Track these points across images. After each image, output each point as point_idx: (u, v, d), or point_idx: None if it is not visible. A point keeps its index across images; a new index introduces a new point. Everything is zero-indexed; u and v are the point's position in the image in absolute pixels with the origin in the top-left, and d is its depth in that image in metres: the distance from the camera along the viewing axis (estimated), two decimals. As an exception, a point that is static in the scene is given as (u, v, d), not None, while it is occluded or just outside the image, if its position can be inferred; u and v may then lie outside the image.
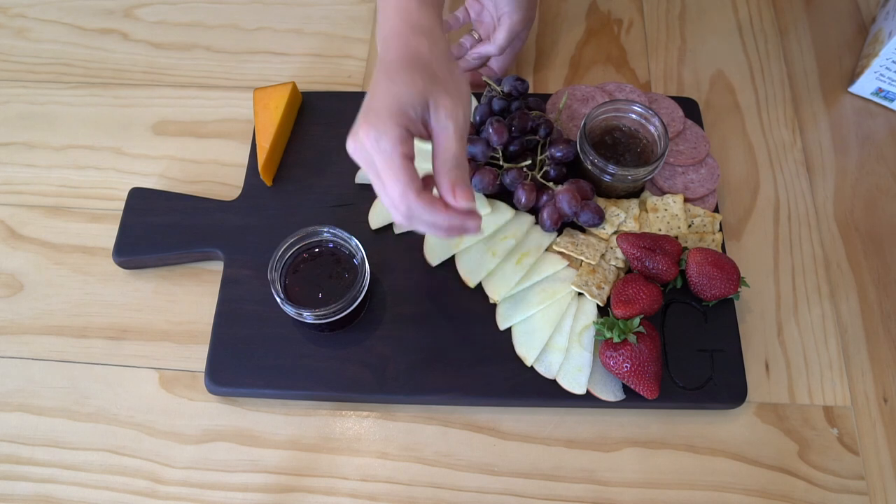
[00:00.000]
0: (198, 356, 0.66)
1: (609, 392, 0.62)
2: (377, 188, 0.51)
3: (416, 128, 0.50)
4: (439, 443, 0.63)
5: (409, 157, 0.50)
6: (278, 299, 0.61)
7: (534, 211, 0.69)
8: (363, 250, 0.62)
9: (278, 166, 0.74)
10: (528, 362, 0.63)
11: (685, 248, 0.65)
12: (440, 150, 0.51)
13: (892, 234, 0.71)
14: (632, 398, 0.62)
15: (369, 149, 0.49)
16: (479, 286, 0.67)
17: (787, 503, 0.60)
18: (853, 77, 0.80)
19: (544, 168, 0.69)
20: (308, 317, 0.61)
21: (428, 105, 0.50)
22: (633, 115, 0.68)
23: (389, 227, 0.70)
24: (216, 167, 0.77)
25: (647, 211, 0.69)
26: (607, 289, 0.65)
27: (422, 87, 0.49)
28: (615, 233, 0.67)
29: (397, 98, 0.49)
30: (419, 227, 0.52)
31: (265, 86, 0.76)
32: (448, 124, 0.50)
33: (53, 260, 0.73)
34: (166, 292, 0.70)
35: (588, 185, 0.68)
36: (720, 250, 0.67)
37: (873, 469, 0.61)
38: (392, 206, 0.50)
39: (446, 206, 0.51)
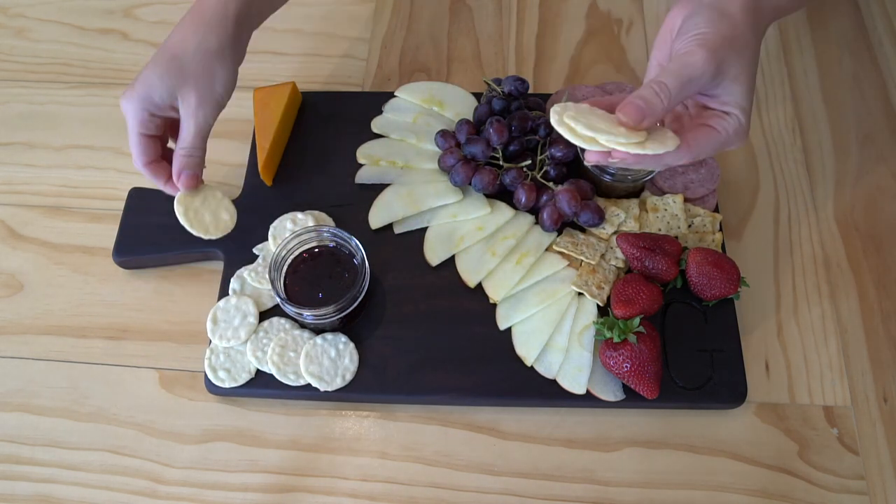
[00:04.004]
0: (198, 356, 0.66)
1: (609, 392, 0.62)
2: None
3: (163, 111, 0.59)
4: (439, 443, 0.63)
5: (147, 135, 0.59)
6: (278, 299, 0.61)
7: (534, 211, 0.69)
8: (363, 250, 0.62)
9: (278, 166, 0.74)
10: (528, 362, 0.63)
11: (685, 248, 0.65)
12: (180, 139, 0.60)
13: (892, 234, 0.71)
14: (632, 398, 0.62)
15: (123, 112, 0.59)
16: (479, 286, 0.67)
17: (787, 503, 0.60)
18: None
19: (544, 168, 0.69)
20: (308, 317, 0.61)
21: (176, 96, 0.58)
22: (633, 115, 0.68)
23: (389, 227, 0.70)
24: (216, 167, 0.77)
25: (647, 211, 0.69)
26: (607, 289, 0.65)
27: (169, 82, 0.58)
28: (615, 233, 0.67)
29: (148, 85, 0.58)
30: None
31: (265, 86, 0.76)
32: (189, 121, 0.59)
33: (53, 260, 0.73)
34: (166, 292, 0.70)
35: (588, 185, 0.68)
36: (720, 250, 0.67)
37: (873, 469, 0.61)
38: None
39: (167, 180, 0.62)
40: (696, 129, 0.52)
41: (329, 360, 0.63)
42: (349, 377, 0.63)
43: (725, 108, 0.52)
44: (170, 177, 0.61)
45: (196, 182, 0.61)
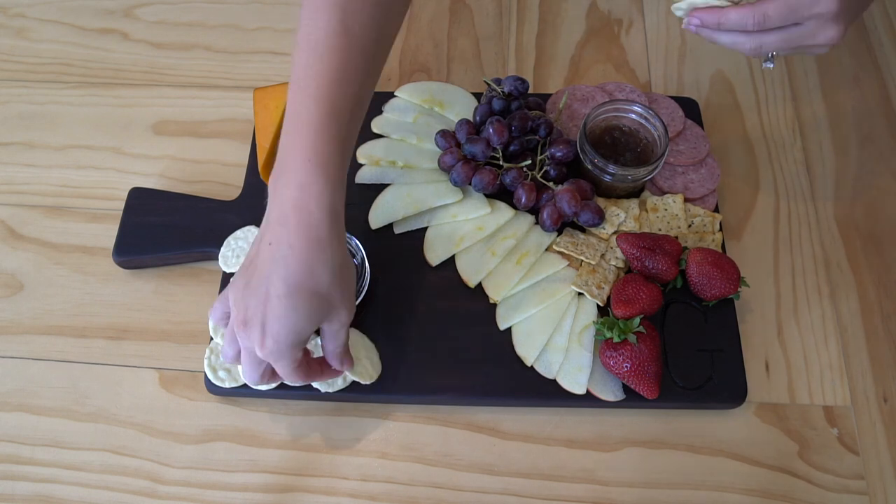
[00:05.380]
0: (198, 356, 0.66)
1: (609, 392, 0.62)
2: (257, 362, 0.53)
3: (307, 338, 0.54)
4: (439, 443, 0.63)
5: (299, 358, 0.54)
6: (278, 299, 0.61)
7: (534, 211, 0.69)
8: (363, 250, 0.62)
9: (278, 166, 0.74)
10: (528, 362, 0.63)
11: (685, 248, 0.65)
12: (329, 349, 0.56)
13: (892, 234, 0.71)
14: (632, 398, 0.62)
15: (266, 357, 0.52)
16: (479, 286, 0.67)
17: (787, 503, 0.60)
18: None
19: (544, 168, 0.69)
20: (308, 317, 0.61)
21: (323, 322, 0.54)
22: (633, 115, 0.68)
23: (389, 227, 0.70)
24: (216, 167, 0.77)
25: (647, 211, 0.69)
26: (607, 289, 0.65)
27: (319, 318, 0.52)
28: (615, 233, 0.67)
29: (298, 332, 0.51)
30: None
31: (265, 86, 0.76)
32: (340, 333, 0.55)
33: (53, 260, 0.73)
34: (166, 292, 0.70)
35: (588, 185, 0.68)
36: (720, 250, 0.67)
37: (873, 469, 0.61)
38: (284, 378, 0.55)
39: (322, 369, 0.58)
40: None
41: None
42: (350, 378, 0.63)
43: None
44: (322, 370, 0.58)
45: (352, 362, 0.58)
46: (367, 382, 0.62)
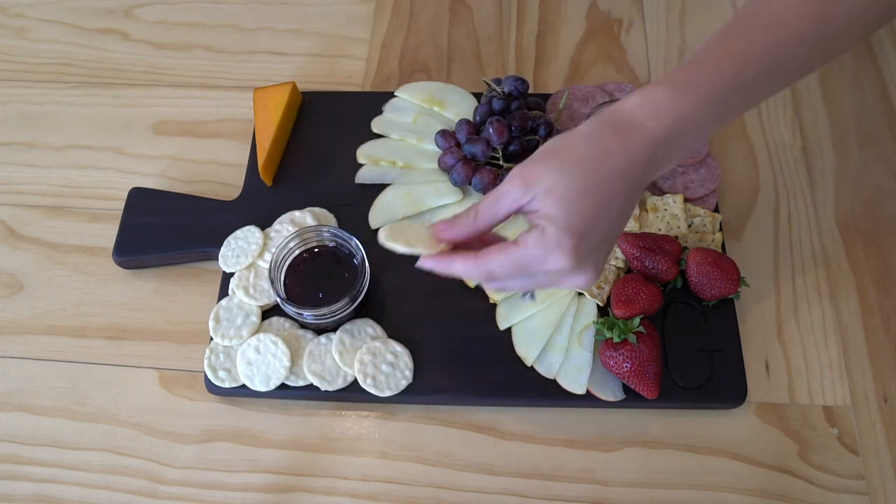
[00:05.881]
0: (198, 356, 0.66)
1: (609, 392, 0.62)
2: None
3: None
4: (439, 443, 0.63)
5: None
6: (278, 299, 0.61)
7: (534, 211, 0.69)
8: (363, 250, 0.62)
9: (278, 166, 0.74)
10: (528, 362, 0.63)
11: (685, 248, 0.65)
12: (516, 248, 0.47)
13: (892, 234, 0.71)
14: (632, 398, 0.62)
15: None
16: (479, 286, 0.67)
17: (787, 503, 0.60)
18: None
19: (544, 168, 0.69)
20: (308, 317, 0.61)
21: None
22: (633, 115, 0.68)
23: (389, 227, 0.70)
24: (216, 167, 0.77)
25: (647, 211, 0.69)
26: (607, 289, 0.65)
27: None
28: (615, 233, 0.67)
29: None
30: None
31: (265, 86, 0.76)
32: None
33: (53, 260, 0.73)
34: (166, 292, 0.70)
35: (588, 185, 0.68)
36: (720, 250, 0.67)
37: (873, 469, 0.61)
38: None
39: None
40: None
41: (331, 359, 0.63)
42: (350, 377, 0.63)
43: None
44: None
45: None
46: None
